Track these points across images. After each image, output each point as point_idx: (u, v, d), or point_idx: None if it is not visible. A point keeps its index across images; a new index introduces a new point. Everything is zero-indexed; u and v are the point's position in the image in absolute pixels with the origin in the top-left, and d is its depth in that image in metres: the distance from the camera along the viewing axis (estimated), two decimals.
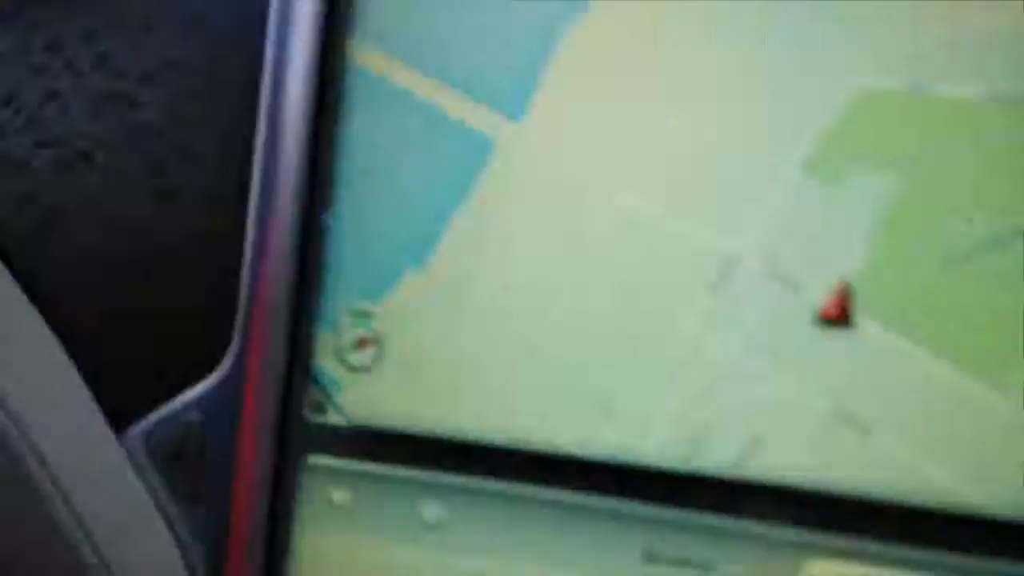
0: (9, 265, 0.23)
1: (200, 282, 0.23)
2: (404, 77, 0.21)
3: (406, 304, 0.22)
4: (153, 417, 0.23)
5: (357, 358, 0.22)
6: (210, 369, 0.23)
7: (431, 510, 0.22)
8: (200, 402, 0.23)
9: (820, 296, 0.20)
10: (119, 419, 0.23)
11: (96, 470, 0.23)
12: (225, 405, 0.23)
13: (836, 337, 0.20)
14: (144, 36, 0.23)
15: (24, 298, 0.23)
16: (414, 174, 0.21)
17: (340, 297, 0.22)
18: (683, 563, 0.21)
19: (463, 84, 0.21)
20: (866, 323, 0.19)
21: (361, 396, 0.22)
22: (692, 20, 0.20)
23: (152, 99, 0.22)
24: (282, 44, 0.21)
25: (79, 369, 0.23)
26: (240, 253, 0.22)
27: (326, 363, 0.22)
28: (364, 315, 0.22)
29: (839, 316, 0.19)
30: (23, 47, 0.23)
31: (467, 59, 0.21)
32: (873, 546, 0.20)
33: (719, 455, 0.20)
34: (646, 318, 0.20)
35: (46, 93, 0.23)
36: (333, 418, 0.23)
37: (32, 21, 0.23)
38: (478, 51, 0.21)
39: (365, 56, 0.21)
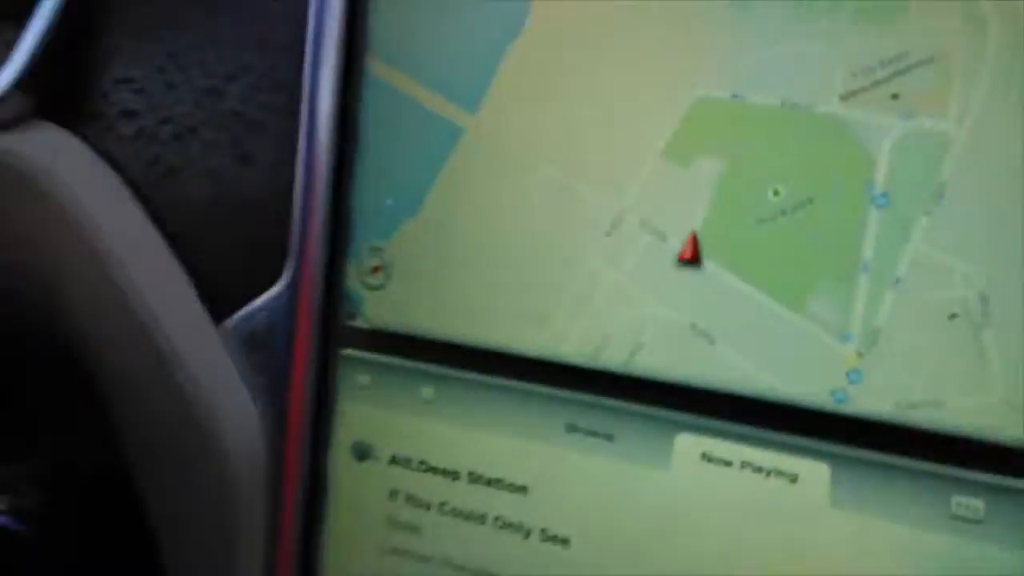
0: (146, 208, 0.32)
1: (267, 220, 0.31)
2: (401, 81, 0.29)
3: (404, 241, 0.30)
4: (238, 315, 0.32)
5: (373, 280, 0.31)
6: (274, 283, 0.31)
7: (426, 391, 0.30)
8: (267, 306, 0.31)
9: (679, 244, 0.27)
10: (218, 316, 0.32)
11: (205, 351, 0.32)
12: (284, 310, 0.31)
13: (690, 273, 0.26)
14: (227, 48, 0.31)
15: (158, 235, 0.32)
16: (409, 150, 0.29)
17: (361, 237, 0.30)
18: (593, 433, 0.28)
19: (439, 87, 0.29)
20: (709, 263, 0.26)
21: (377, 307, 0.31)
22: (590, 44, 0.27)
23: (234, 92, 0.31)
24: (317, 54, 0.29)
25: (192, 282, 0.32)
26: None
27: (353, 283, 0.31)
28: (377, 249, 0.30)
29: (692, 258, 0.26)
30: (151, 54, 0.32)
31: (442, 69, 0.28)
32: (722, 424, 0.27)
33: (615, 355, 0.28)
34: (565, 256, 0.28)
35: (166, 86, 0.32)
36: (359, 322, 0.31)
37: (157, 36, 0.32)
38: (449, 63, 0.28)
39: (374, 65, 0.29)
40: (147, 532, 0.34)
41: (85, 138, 0.32)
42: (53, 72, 0.32)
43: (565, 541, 0.29)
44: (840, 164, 0.25)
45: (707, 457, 0.27)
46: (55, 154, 0.30)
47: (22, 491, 0.45)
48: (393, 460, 0.31)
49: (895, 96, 0.24)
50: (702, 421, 0.27)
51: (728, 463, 0.27)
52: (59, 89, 0.32)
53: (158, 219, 0.32)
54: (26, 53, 0.31)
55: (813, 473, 0.26)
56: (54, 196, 0.30)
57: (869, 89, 0.24)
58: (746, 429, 0.27)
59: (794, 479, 0.26)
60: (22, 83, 0.31)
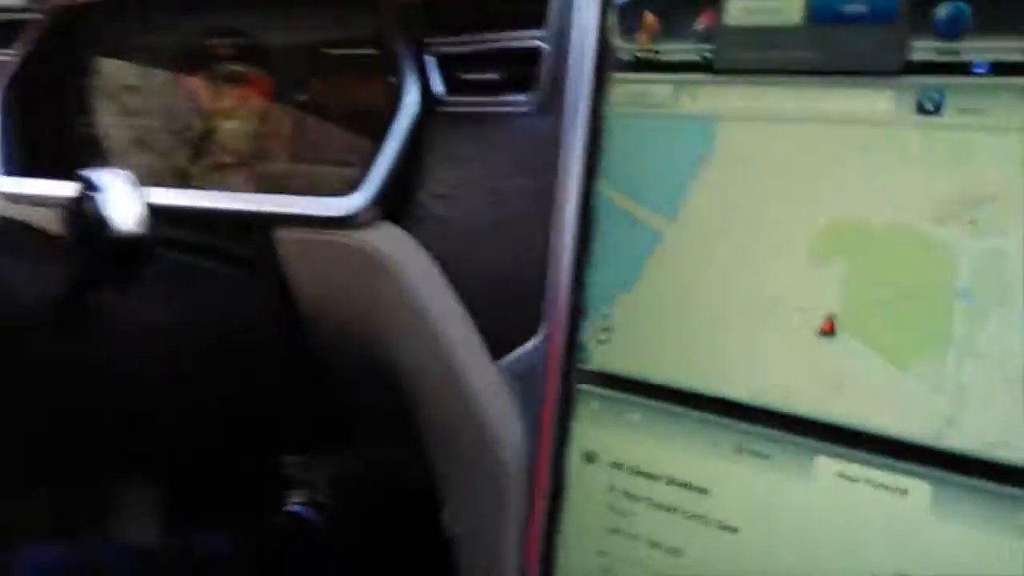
0: (454, 288, 0.46)
1: (530, 294, 0.44)
2: (620, 199, 0.41)
3: (622, 310, 0.42)
4: (508, 358, 0.45)
5: (600, 336, 0.43)
6: (531, 335, 0.44)
7: (634, 416, 0.41)
8: (528, 353, 0.44)
9: (820, 321, 0.37)
10: (496, 356, 0.45)
11: (485, 382, 0.44)
12: (539, 355, 0.44)
13: (829, 342, 0.36)
14: (507, 175, 0.45)
15: (462, 309, 0.45)
16: (626, 246, 0.41)
17: (593, 306, 0.42)
18: (755, 454, 0.38)
19: (645, 200, 0.40)
20: (843, 335, 0.36)
21: (602, 356, 0.42)
22: (757, 172, 0.38)
23: (511, 204, 0.45)
24: (565, 180, 0.42)
25: (480, 332, 0.45)
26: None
27: (586, 338, 0.43)
28: (604, 315, 0.42)
29: (830, 331, 0.36)
30: (457, 176, 0.46)
31: (649, 188, 0.40)
32: (851, 451, 0.36)
33: (774, 398, 0.37)
34: (739, 327, 0.38)
35: (466, 200, 0.46)
36: (590, 366, 0.43)
37: (460, 164, 0.46)
38: (654, 185, 0.40)
39: (602, 186, 0.42)
40: (431, 537, 0.46)
41: (412, 235, 0.47)
42: (395, 186, 0.47)
43: (735, 530, 0.39)
44: (935, 268, 0.33)
45: (840, 475, 0.36)
46: (401, 249, 0.45)
47: (319, 488, 0.59)
48: (612, 464, 0.42)
49: (972, 222, 0.33)
50: (837, 448, 0.36)
51: (855, 480, 0.35)
52: (396, 198, 0.47)
53: (461, 296, 0.45)
54: (382, 174, 0.46)
55: (918, 490, 0.33)
56: (397, 284, 0.44)
57: (952, 215, 0.33)
58: (869, 455, 0.35)
59: (904, 493, 0.34)
60: (378, 196, 0.46)
